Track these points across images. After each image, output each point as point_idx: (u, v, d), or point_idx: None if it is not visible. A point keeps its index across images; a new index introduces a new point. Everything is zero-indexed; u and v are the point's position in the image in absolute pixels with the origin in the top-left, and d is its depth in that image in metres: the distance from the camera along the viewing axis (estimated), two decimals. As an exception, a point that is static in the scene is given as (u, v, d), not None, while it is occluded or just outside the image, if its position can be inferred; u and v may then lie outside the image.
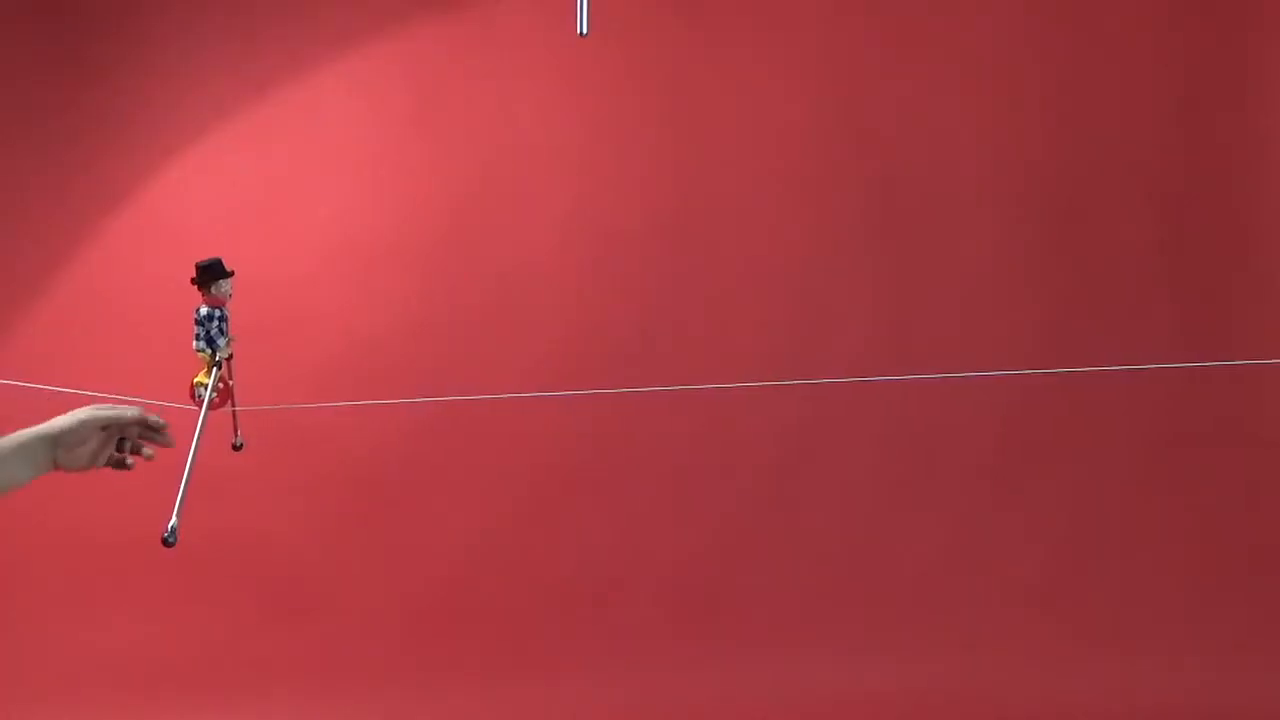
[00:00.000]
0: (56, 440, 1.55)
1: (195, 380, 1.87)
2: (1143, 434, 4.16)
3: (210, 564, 4.23)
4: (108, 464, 1.66)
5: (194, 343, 1.95)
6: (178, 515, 1.68)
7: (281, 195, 4.35)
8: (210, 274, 1.92)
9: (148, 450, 1.63)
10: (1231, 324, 4.13)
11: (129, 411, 1.61)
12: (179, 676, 4.13)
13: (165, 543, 1.64)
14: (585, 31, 2.56)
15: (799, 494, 4.24)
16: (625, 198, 4.29)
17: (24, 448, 1.53)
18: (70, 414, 1.59)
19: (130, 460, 1.63)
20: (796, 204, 4.26)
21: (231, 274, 1.94)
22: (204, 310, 1.92)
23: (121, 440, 1.62)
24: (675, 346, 4.25)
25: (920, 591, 4.15)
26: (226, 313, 1.93)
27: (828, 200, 4.26)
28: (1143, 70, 4.17)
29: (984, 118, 4.22)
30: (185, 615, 4.22)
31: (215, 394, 1.85)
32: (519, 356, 4.24)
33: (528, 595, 4.22)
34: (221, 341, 1.89)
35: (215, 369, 1.87)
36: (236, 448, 2.03)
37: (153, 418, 1.64)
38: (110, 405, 1.65)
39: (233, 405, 1.95)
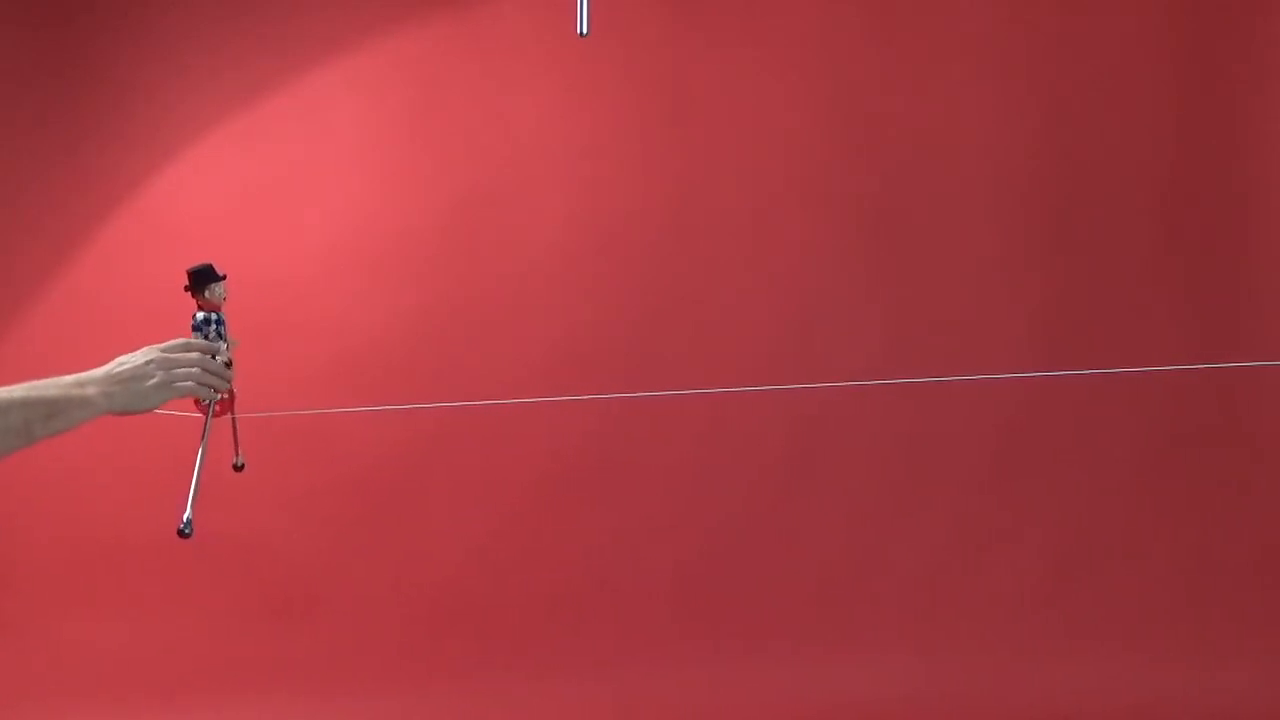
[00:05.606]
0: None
1: None
2: (1143, 435, 4.15)
3: (209, 565, 4.23)
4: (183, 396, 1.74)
5: None
6: (191, 507, 1.66)
7: (280, 197, 4.35)
8: (203, 279, 1.88)
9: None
10: (1231, 324, 4.13)
11: (189, 355, 1.70)
12: (179, 677, 4.13)
13: (181, 534, 1.62)
14: (585, 31, 2.56)
15: (800, 496, 4.24)
16: (625, 198, 4.29)
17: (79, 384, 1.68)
18: (132, 356, 1.72)
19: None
20: (796, 206, 4.26)
21: (223, 277, 1.90)
22: (200, 316, 1.87)
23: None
24: (676, 348, 4.25)
25: (921, 592, 4.15)
26: (223, 316, 1.88)
27: (828, 202, 4.26)
28: (1143, 70, 4.16)
29: (984, 119, 4.22)
30: (185, 616, 4.22)
31: (220, 397, 1.81)
32: (519, 359, 4.24)
33: (528, 597, 4.22)
34: (222, 346, 1.85)
35: None
36: (237, 468, 1.98)
37: (217, 361, 1.73)
38: (171, 346, 1.73)
39: (233, 418, 1.91)
